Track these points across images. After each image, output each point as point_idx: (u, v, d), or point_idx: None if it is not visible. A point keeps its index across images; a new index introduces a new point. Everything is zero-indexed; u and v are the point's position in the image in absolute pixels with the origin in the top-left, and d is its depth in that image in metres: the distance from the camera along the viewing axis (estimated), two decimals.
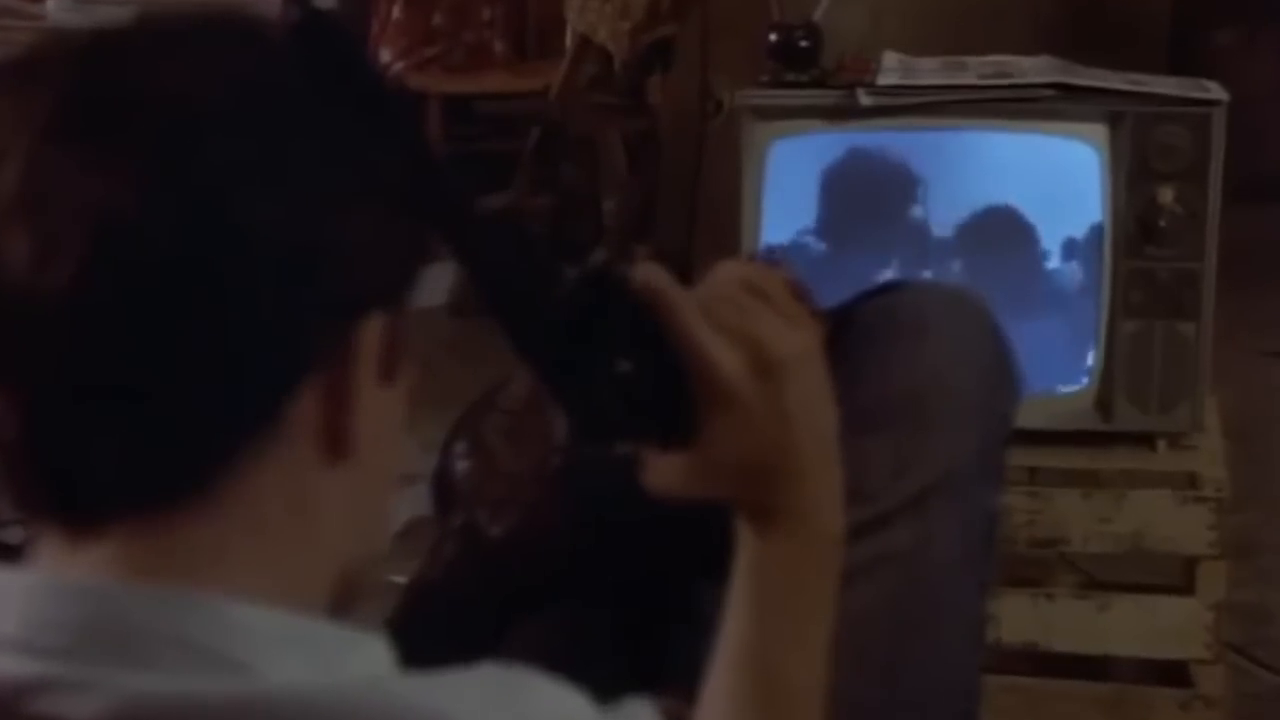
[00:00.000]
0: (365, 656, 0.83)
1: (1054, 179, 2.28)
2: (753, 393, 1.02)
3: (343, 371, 0.82)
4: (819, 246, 2.32)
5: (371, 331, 0.83)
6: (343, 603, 0.89)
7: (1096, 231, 2.24)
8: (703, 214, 3.39)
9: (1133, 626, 2.30)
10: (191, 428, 0.79)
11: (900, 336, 1.39)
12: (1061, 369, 2.29)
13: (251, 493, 0.81)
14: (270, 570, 0.83)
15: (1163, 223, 2.21)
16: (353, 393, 0.83)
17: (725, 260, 1.11)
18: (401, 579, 1.58)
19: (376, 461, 0.86)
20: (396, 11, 4.83)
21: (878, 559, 1.33)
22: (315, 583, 0.86)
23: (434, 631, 1.47)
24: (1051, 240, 2.28)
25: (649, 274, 1.02)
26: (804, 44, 2.33)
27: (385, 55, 4.77)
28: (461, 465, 1.56)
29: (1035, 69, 2.30)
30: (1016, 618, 2.29)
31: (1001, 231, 2.30)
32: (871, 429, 1.33)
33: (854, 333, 1.36)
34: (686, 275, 1.07)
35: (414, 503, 1.67)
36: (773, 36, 2.34)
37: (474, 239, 0.92)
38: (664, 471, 1.06)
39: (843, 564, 1.09)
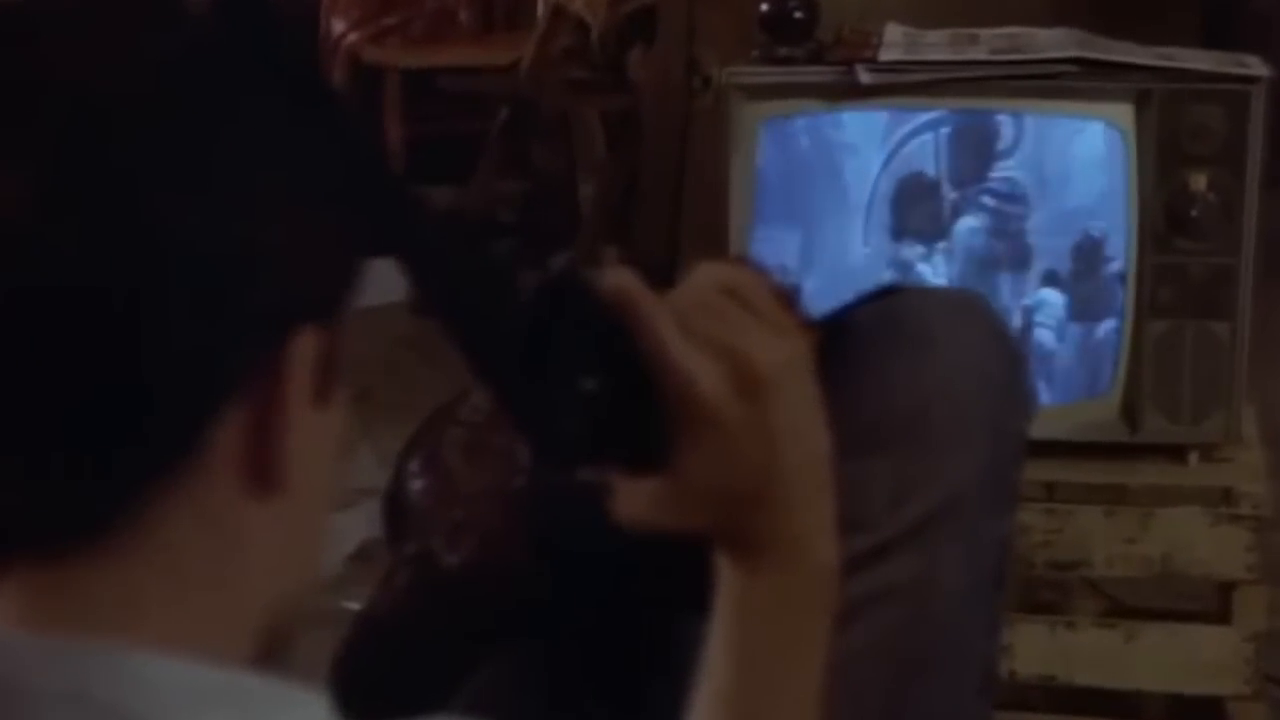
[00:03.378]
0: (299, 715, 0.82)
1: (1074, 164, 2.27)
2: (735, 412, 1.01)
3: (270, 393, 0.81)
4: (808, 239, 2.32)
5: (303, 348, 0.82)
6: (273, 645, 0.87)
7: (1121, 222, 2.23)
8: (688, 201, 3.38)
9: (1162, 658, 2.30)
10: (98, 458, 0.78)
11: (901, 347, 1.38)
12: (1082, 374, 2.29)
13: (167, 531, 0.80)
14: (189, 617, 0.81)
15: (1194, 212, 2.20)
16: (282, 417, 0.81)
17: (705, 261, 1.10)
18: (355, 605, 1.57)
19: (308, 492, 0.85)
20: None
21: (876, 594, 1.32)
22: (240, 628, 0.84)
23: (384, 672, 1.46)
24: (1071, 231, 2.27)
25: (618, 279, 1.01)
26: (799, 15, 2.33)
27: (338, 26, 4.76)
28: (416, 484, 1.55)
29: (1054, 42, 2.30)
30: (1033, 648, 2.29)
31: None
32: (869, 450, 1.33)
33: (849, 343, 1.35)
34: (671, 270, 1.06)
35: (370, 521, 1.66)
36: (764, 7, 2.34)
37: (420, 243, 0.91)
38: (634, 499, 1.04)
39: (837, 601, 1.08)
